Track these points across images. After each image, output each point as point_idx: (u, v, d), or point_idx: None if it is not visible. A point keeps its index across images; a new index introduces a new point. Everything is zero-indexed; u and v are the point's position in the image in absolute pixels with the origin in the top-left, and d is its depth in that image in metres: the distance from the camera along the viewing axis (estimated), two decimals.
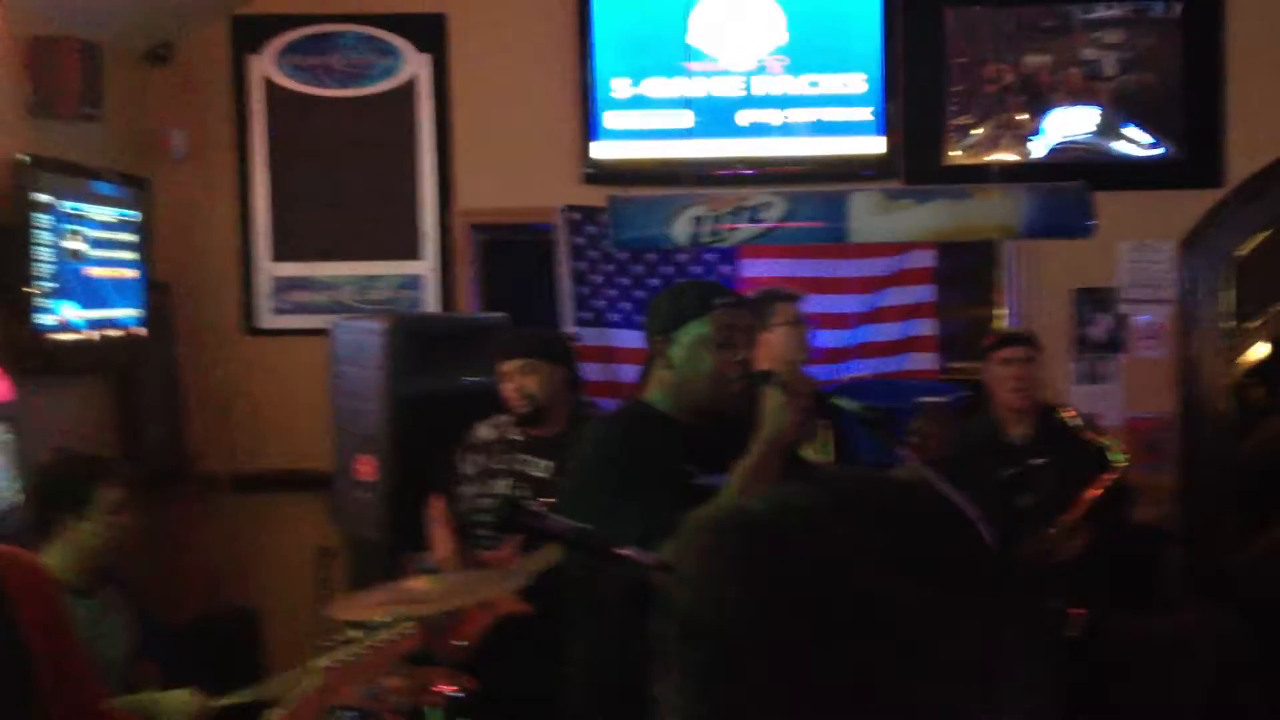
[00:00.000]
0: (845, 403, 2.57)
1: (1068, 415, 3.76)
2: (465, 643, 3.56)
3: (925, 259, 5.19)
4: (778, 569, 0.77)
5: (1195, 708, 4.07)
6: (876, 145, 5.11)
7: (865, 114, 5.12)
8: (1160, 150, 5.18)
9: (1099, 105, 5.16)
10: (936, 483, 2.62)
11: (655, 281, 5.07)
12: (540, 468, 3.74)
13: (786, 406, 2.41)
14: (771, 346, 3.84)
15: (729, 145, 5.11)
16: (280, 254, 5.30)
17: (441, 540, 3.74)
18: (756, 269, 5.13)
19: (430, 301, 5.28)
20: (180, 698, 3.37)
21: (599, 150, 5.16)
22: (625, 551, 2.02)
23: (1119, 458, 3.68)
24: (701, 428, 2.57)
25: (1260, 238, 5.27)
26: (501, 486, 3.73)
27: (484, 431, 3.86)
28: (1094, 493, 3.66)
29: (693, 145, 5.02)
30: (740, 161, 5.02)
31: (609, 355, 5.11)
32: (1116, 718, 3.73)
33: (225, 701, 3.25)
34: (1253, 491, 5.23)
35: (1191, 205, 5.19)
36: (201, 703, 3.32)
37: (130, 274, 4.67)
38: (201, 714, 3.33)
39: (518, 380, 3.74)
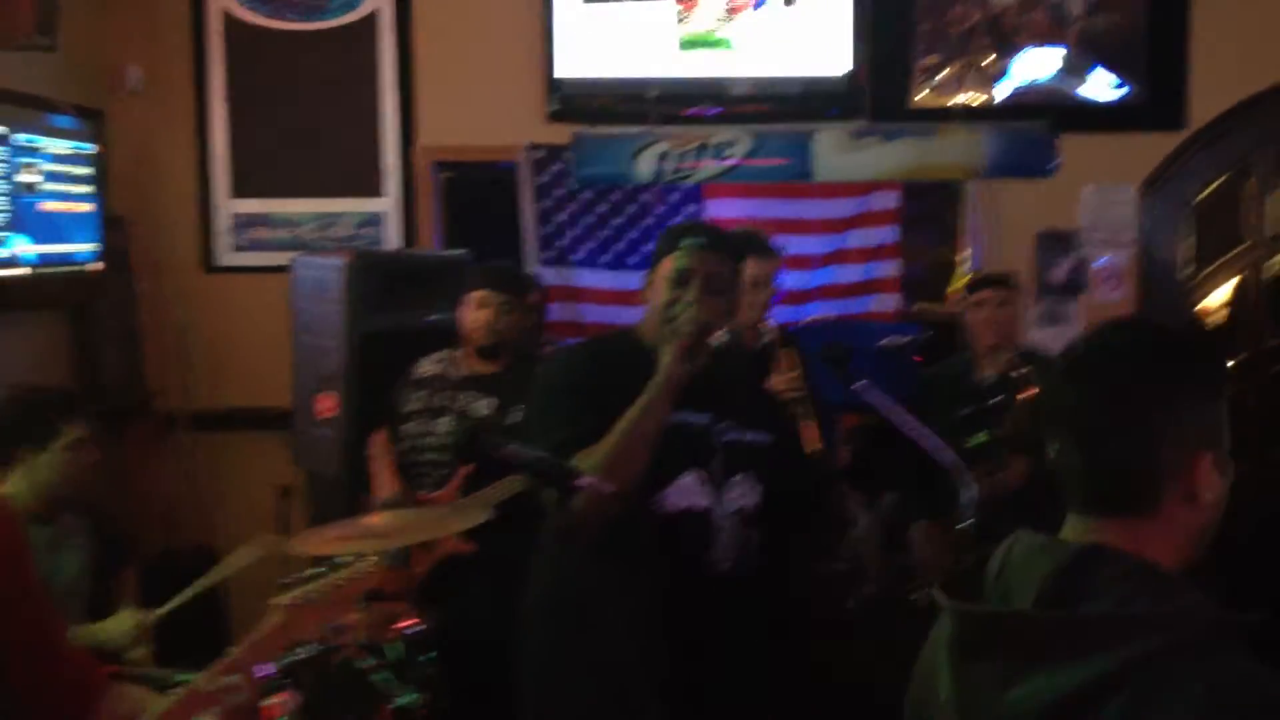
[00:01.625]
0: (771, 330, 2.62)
1: (1012, 359, 3.76)
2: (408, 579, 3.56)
3: (890, 200, 5.19)
4: None
5: None
6: (842, 85, 5.08)
7: (832, 53, 5.07)
8: (1124, 93, 5.18)
9: (1064, 47, 5.15)
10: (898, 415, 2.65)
11: (619, 221, 5.05)
12: (483, 405, 3.72)
13: (680, 359, 2.41)
14: None
15: (694, 77, 5.03)
16: (239, 190, 5.23)
17: (383, 478, 3.71)
18: (721, 209, 5.12)
19: (392, 239, 5.23)
20: (121, 621, 3.37)
21: (562, 69, 5.06)
22: (585, 480, 2.02)
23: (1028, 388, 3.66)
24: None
25: (1221, 181, 5.29)
26: (444, 424, 3.69)
27: (427, 367, 3.82)
28: (1015, 427, 3.66)
29: (658, 73, 4.94)
30: (705, 97, 4.97)
31: (573, 295, 5.09)
32: None
33: (166, 609, 3.26)
34: None
35: (1154, 148, 5.20)
36: (140, 619, 3.33)
37: (86, 208, 4.60)
38: (143, 629, 3.34)
39: (485, 312, 3.71)
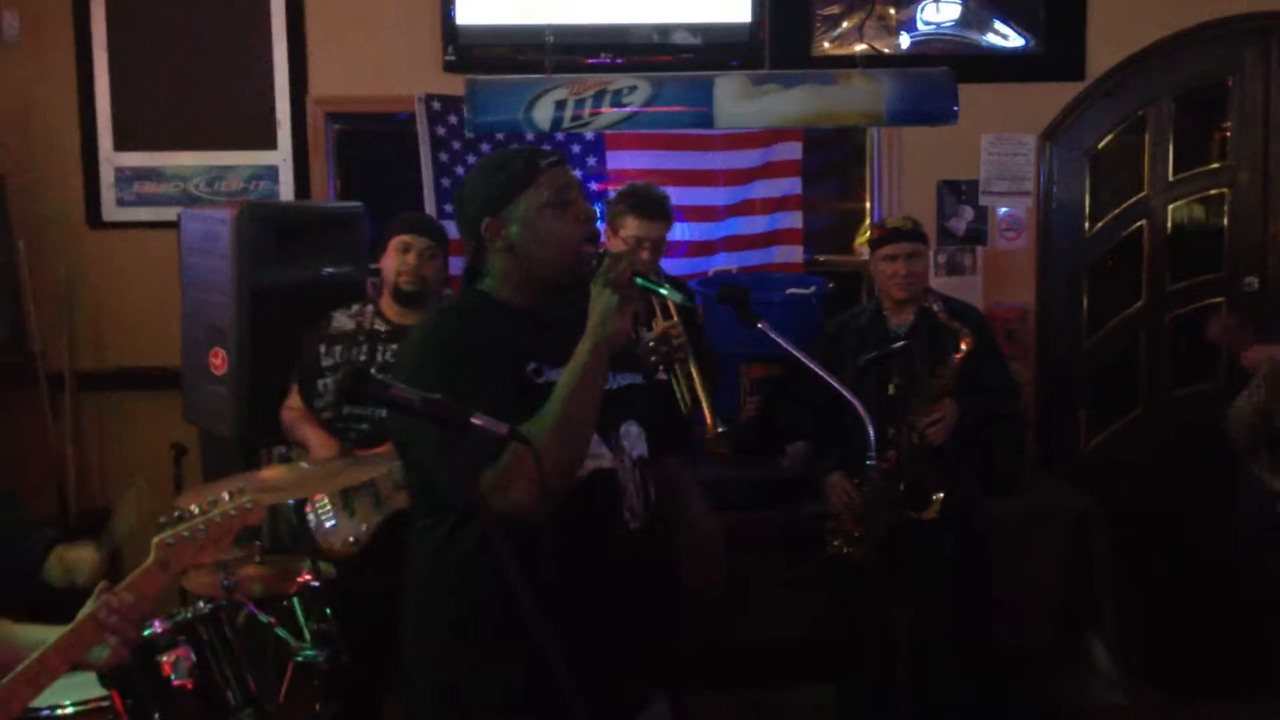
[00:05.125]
0: (675, 295, 2.42)
1: (928, 301, 3.77)
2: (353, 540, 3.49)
3: (792, 151, 5.17)
4: None
5: (1055, 583, 4.22)
6: (744, 34, 5.03)
7: (733, 2, 5.02)
8: (1023, 43, 5.20)
9: None
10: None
11: None
12: None
13: (618, 309, 2.18)
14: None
15: (595, 24, 4.95)
16: (124, 143, 5.05)
17: (318, 439, 3.59)
18: (624, 160, 5.06)
19: (286, 194, 5.09)
20: (86, 555, 3.29)
21: (461, 16, 4.93)
22: (478, 421, 1.94)
23: (965, 344, 3.69)
24: (549, 319, 2.30)
25: (1117, 131, 5.35)
26: None
27: (341, 320, 3.72)
28: (943, 377, 3.69)
29: (558, 19, 4.84)
30: (606, 46, 4.89)
31: None
32: (979, 592, 3.81)
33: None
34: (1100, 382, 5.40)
35: (1054, 98, 5.24)
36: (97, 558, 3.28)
37: None
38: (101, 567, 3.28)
39: (409, 256, 3.61)
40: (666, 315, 3.57)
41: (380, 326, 3.66)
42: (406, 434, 2.24)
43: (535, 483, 2.04)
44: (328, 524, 3.51)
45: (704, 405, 3.64)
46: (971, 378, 3.71)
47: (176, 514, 2.04)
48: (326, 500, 3.53)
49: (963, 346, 3.68)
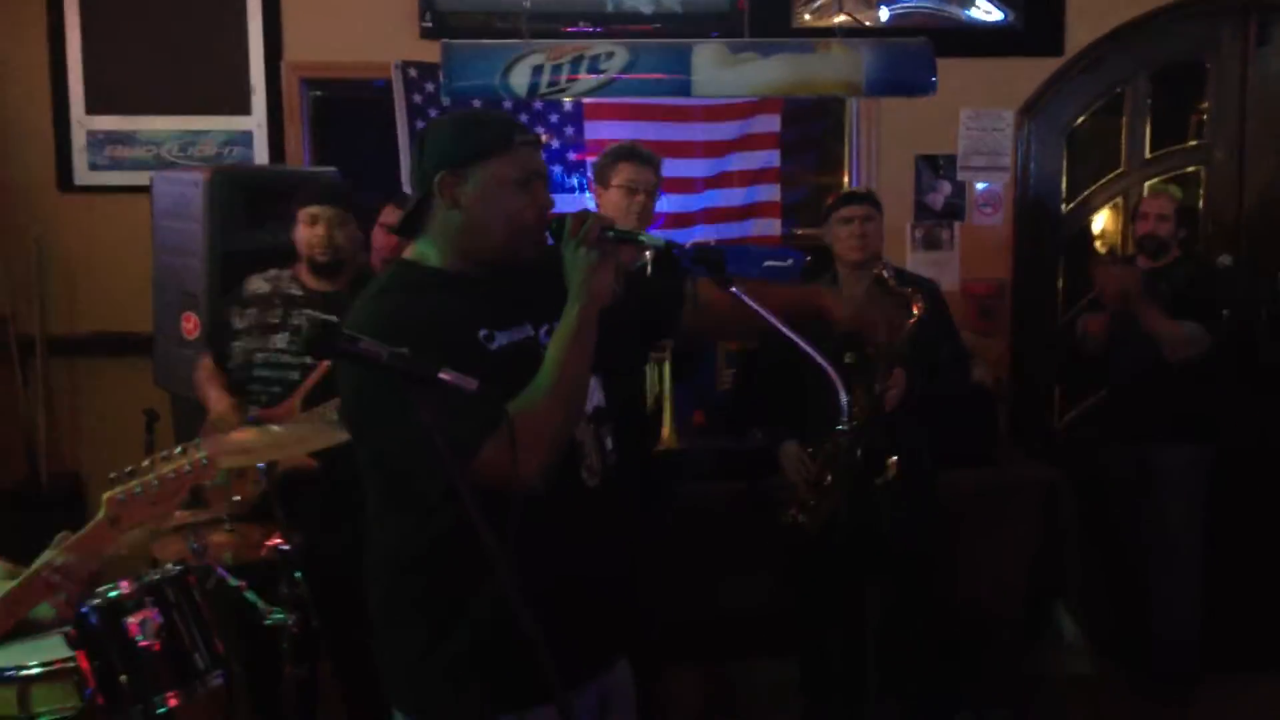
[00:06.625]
0: (653, 240, 2.33)
1: (880, 270, 3.75)
2: (239, 498, 3.46)
3: (771, 124, 5.16)
4: None
5: (1027, 556, 4.23)
6: (724, 5, 5.01)
7: None
8: (1002, 17, 5.20)
9: None
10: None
11: None
12: None
13: (600, 266, 2.12)
14: (604, 207, 3.75)
15: None
16: (96, 106, 5.00)
17: (216, 397, 3.58)
18: (602, 130, 5.03)
19: (260, 160, 5.04)
20: None
21: None
22: (446, 376, 1.89)
23: (915, 311, 3.67)
24: (486, 281, 2.18)
25: (1095, 107, 5.35)
26: (280, 341, 3.57)
27: (257, 284, 3.68)
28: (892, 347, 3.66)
29: None
30: (584, 16, 4.87)
31: None
32: (941, 562, 3.82)
33: None
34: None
35: (1032, 74, 5.24)
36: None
37: None
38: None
39: (319, 227, 3.58)
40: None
41: (296, 291, 3.64)
42: (374, 414, 2.08)
43: (541, 452, 2.00)
44: None
45: (664, 413, 3.59)
46: (923, 349, 3.70)
47: (128, 469, 2.01)
48: None
49: (914, 310, 3.65)
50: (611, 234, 2.18)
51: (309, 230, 3.58)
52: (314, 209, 3.58)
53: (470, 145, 2.17)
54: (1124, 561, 4.56)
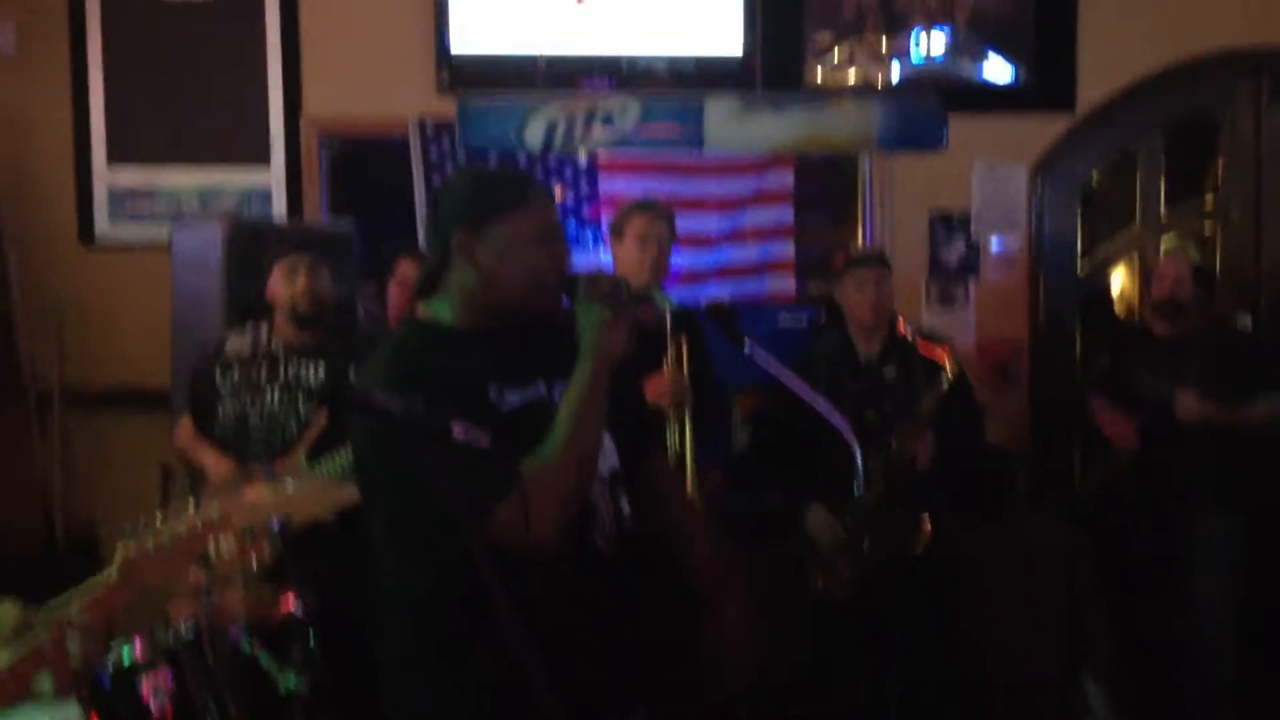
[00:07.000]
0: (668, 303, 2.35)
1: (904, 329, 3.76)
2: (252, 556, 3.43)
3: (784, 180, 5.17)
4: None
5: (1055, 621, 4.16)
6: (736, 65, 5.04)
7: (725, 31, 5.04)
8: (1014, 74, 5.23)
9: (955, 28, 5.18)
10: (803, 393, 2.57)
11: None
12: (313, 375, 3.63)
13: (611, 323, 2.11)
14: (619, 259, 3.77)
15: (589, 55, 4.96)
16: (117, 160, 5.04)
17: (215, 460, 3.60)
18: (616, 185, 5.06)
19: (278, 215, 5.08)
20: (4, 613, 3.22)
21: (455, 45, 4.94)
22: (459, 429, 1.88)
23: (949, 369, 3.68)
24: (496, 337, 2.16)
25: (1108, 164, 5.36)
26: (272, 396, 3.59)
27: (236, 344, 3.71)
28: (929, 405, 3.67)
29: (549, 46, 4.86)
30: (599, 69, 4.90)
31: None
32: (977, 627, 3.77)
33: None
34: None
35: (1045, 130, 5.25)
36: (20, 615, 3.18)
37: None
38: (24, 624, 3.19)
39: (299, 278, 3.60)
40: (677, 364, 3.56)
41: (278, 348, 3.66)
42: (386, 470, 2.07)
43: (555, 513, 1.99)
44: None
45: (688, 468, 3.59)
46: (945, 415, 3.70)
47: (143, 522, 2.01)
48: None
49: (945, 366, 3.66)
50: (625, 293, 2.19)
51: (289, 283, 3.60)
52: (291, 259, 3.61)
53: (486, 202, 2.17)
54: (1149, 644, 4.33)
